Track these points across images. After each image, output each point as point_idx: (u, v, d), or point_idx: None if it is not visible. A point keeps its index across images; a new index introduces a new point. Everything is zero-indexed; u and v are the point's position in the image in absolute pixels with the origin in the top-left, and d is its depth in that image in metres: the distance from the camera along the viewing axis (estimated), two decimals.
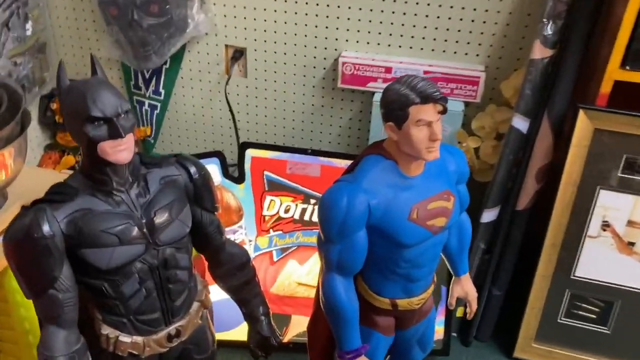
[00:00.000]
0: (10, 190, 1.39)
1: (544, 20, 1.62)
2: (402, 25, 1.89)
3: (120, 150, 0.95)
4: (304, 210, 1.78)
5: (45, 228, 0.93)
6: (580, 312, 1.82)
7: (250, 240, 1.81)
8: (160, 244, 1.03)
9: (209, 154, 1.78)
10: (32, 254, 0.94)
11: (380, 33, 1.92)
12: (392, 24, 1.89)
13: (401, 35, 1.91)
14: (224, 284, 1.23)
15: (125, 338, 1.04)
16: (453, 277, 1.35)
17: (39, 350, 0.99)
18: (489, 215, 1.83)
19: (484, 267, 1.88)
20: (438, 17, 1.83)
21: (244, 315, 1.27)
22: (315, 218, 1.77)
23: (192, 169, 1.10)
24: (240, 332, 1.81)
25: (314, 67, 2.02)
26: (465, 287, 1.33)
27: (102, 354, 1.06)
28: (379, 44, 1.94)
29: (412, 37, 1.90)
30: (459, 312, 1.93)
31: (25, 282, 0.97)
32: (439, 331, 1.83)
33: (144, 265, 1.02)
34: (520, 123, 1.73)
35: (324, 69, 2.02)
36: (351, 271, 1.12)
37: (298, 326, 1.85)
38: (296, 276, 1.83)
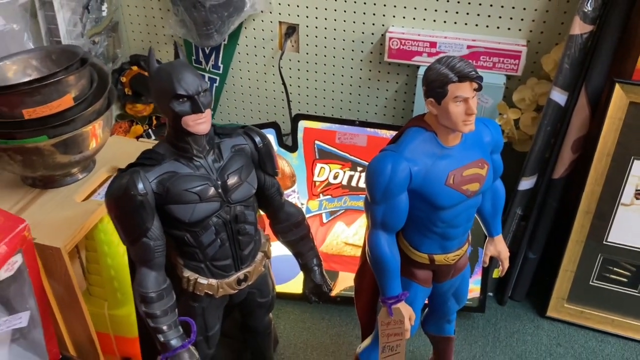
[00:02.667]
0: (97, 156, 1.60)
1: None
2: (447, 1, 1.97)
3: (200, 123, 1.12)
4: (351, 177, 1.93)
5: (140, 186, 1.12)
6: (612, 276, 1.91)
7: (302, 204, 1.98)
8: (232, 202, 1.21)
9: (266, 125, 1.94)
10: (129, 209, 1.13)
11: (425, 9, 2.02)
12: (437, 0, 1.99)
13: (446, 11, 2.00)
14: (283, 238, 1.41)
15: (202, 280, 1.24)
16: (487, 238, 1.49)
17: (134, 288, 1.19)
18: (526, 183, 1.93)
19: (521, 232, 1.99)
20: None
21: (300, 266, 1.45)
22: (361, 184, 1.93)
23: (257, 139, 1.27)
24: (293, 285, 2.01)
25: (362, 42, 2.14)
26: (498, 247, 1.47)
27: (182, 293, 1.26)
28: (424, 19, 2.04)
29: (457, 12, 1.99)
30: (495, 274, 2.06)
31: (123, 231, 1.17)
32: (475, 290, 1.97)
33: (219, 220, 1.20)
34: (559, 96, 1.81)
35: (372, 43, 2.13)
36: (394, 229, 1.27)
37: (345, 282, 2.02)
38: (343, 237, 2.00)
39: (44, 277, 1.38)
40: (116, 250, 1.60)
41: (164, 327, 1.18)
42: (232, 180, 1.20)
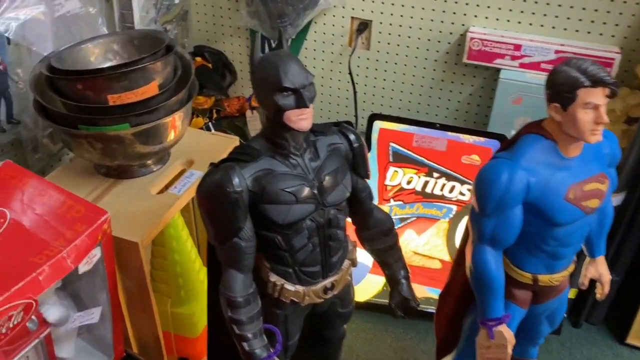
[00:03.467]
0: (172, 149, 1.53)
1: None
2: (535, 2, 1.87)
3: (303, 119, 1.04)
4: (426, 183, 1.83)
5: (236, 182, 1.04)
6: None
7: None
8: (327, 204, 1.13)
9: (337, 124, 1.85)
10: (223, 206, 1.05)
11: (511, 10, 1.91)
12: (524, 0, 1.88)
13: (533, 13, 1.89)
14: (370, 246, 1.32)
15: (289, 286, 1.16)
16: (587, 259, 1.37)
17: (221, 290, 1.11)
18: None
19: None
20: None
21: (386, 277, 1.35)
22: (437, 191, 1.83)
23: (352, 137, 1.19)
24: (357, 292, 1.89)
25: (439, 42, 2.04)
26: (599, 268, 1.35)
27: (266, 298, 1.18)
28: (508, 20, 1.93)
29: (545, 14, 1.88)
30: (572, 294, 1.94)
31: (213, 230, 1.10)
32: None
33: (312, 223, 1.12)
34: None
35: (449, 43, 2.04)
36: (503, 245, 1.17)
37: None
38: (413, 245, 1.90)
39: (117, 271, 1.32)
40: (184, 246, 1.54)
41: (249, 335, 1.10)
42: (328, 182, 1.12)
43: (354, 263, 1.25)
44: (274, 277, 1.16)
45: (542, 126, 1.13)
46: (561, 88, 1.06)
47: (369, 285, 1.93)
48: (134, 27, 1.83)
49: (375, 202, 1.87)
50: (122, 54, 1.42)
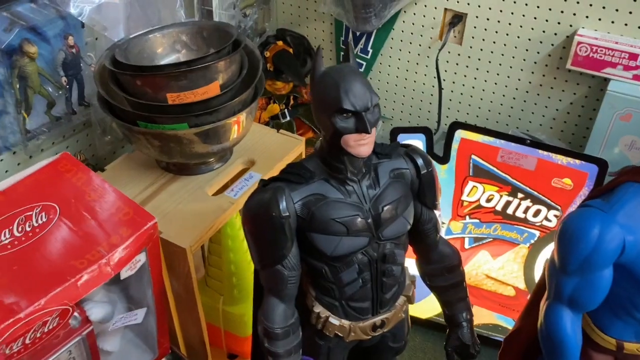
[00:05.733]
0: (235, 147, 1.47)
1: None
2: None
3: (363, 144, 0.93)
4: (508, 203, 1.65)
5: (282, 207, 0.96)
6: None
7: (443, 223, 1.74)
8: (383, 238, 1.02)
9: (416, 129, 1.71)
10: (267, 230, 0.97)
11: (631, 12, 1.66)
12: None
13: None
14: (431, 282, 1.19)
15: (334, 320, 1.06)
16: None
17: (259, 318, 1.05)
18: None
19: None
20: None
21: (445, 317, 1.23)
22: (519, 213, 1.65)
23: (420, 162, 1.06)
24: (418, 308, 1.80)
25: (541, 42, 1.83)
26: None
27: (308, 325, 1.10)
28: (626, 24, 1.68)
29: None
30: None
31: (256, 253, 1.02)
32: None
33: (364, 257, 1.01)
34: None
35: (552, 45, 1.81)
36: (583, 309, 1.01)
37: (478, 317, 1.77)
38: (486, 268, 1.75)
39: (165, 272, 1.29)
40: (240, 245, 1.50)
41: None
42: (386, 214, 1.00)
43: (410, 300, 1.14)
44: (318, 308, 1.07)
45: None
46: None
47: (432, 302, 1.79)
48: (212, 11, 1.77)
49: (449, 217, 1.75)
50: (191, 45, 1.36)
